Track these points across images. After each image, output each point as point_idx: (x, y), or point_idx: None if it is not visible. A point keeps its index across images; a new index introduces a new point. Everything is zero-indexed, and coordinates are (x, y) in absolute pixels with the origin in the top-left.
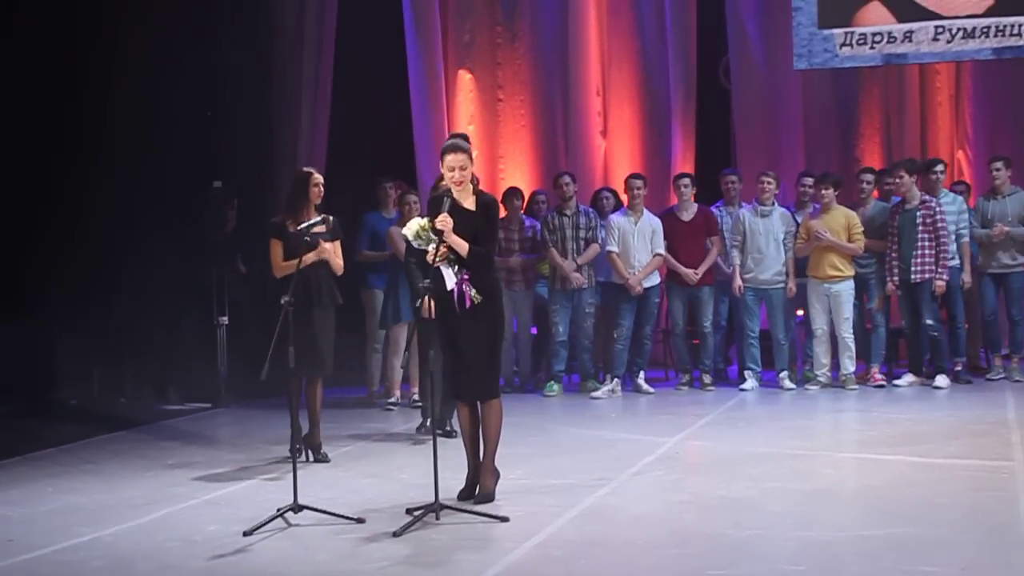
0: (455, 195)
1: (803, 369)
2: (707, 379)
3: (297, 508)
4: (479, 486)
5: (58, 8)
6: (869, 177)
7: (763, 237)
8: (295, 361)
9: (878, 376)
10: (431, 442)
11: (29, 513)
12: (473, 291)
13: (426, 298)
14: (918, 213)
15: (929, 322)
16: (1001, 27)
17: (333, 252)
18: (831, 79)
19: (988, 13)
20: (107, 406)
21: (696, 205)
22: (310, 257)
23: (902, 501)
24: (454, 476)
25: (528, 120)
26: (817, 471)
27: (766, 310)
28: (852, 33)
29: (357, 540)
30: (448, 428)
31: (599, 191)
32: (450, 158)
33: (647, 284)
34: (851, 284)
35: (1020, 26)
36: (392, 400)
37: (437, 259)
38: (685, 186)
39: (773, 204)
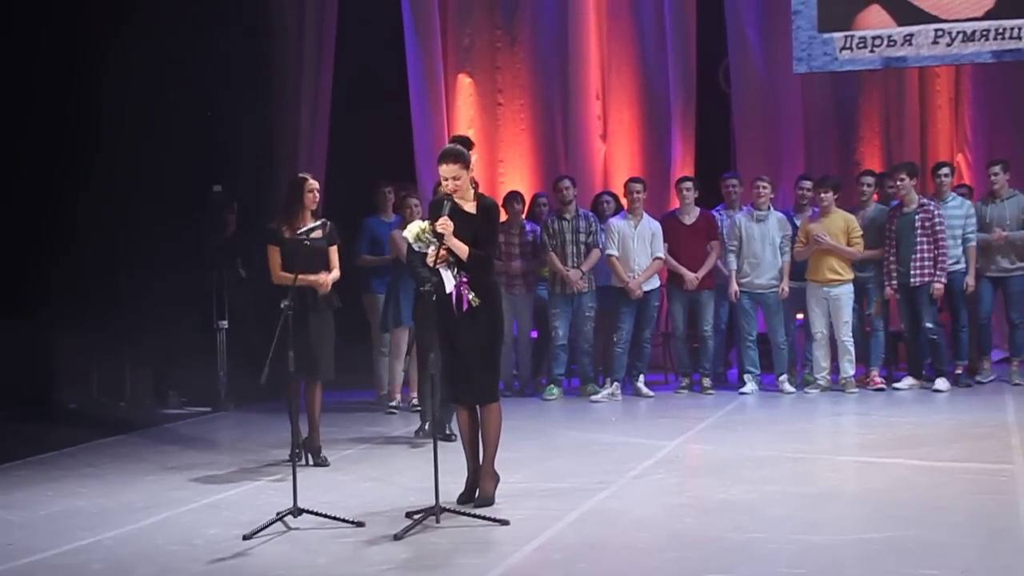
0: (455, 198)
1: (803, 373)
2: (707, 383)
3: (297, 512)
4: (479, 490)
5: (58, 9)
6: (869, 180)
7: (759, 242)
8: (294, 364)
9: (878, 379)
10: (430, 446)
11: (29, 516)
12: (471, 294)
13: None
14: (917, 217)
15: (928, 325)
16: (1001, 30)
17: (331, 259)
18: (830, 83)
19: (988, 16)
20: (107, 410)
21: (698, 209)
22: (308, 278)
23: (902, 504)
24: (453, 480)
25: (528, 124)
26: (817, 474)
27: (763, 314)
28: (852, 37)
29: (357, 543)
30: (447, 432)
31: (599, 195)
32: (443, 168)
33: (647, 288)
34: (850, 288)
35: (1019, 29)
36: (393, 404)
37: (437, 262)
38: (687, 189)
39: (769, 209)
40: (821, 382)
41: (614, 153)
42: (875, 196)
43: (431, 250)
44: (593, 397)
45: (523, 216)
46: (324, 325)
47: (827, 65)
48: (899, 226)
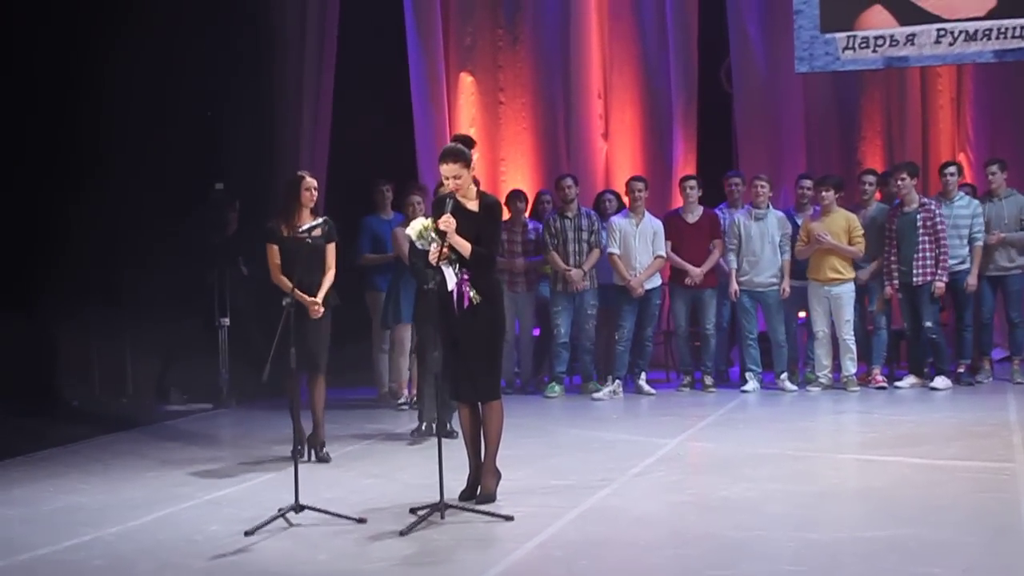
0: (458, 196)
1: (804, 371)
2: (708, 380)
3: (298, 508)
4: (480, 487)
5: (59, 8)
6: (871, 179)
7: (758, 240)
8: (296, 361)
9: (879, 378)
10: (430, 443)
11: (30, 513)
12: (472, 292)
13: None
14: (918, 216)
15: (928, 324)
16: (1003, 29)
17: (328, 258)
18: (832, 82)
19: (990, 16)
20: (108, 406)
21: (701, 207)
22: (303, 299)
23: (903, 503)
24: (455, 477)
25: (529, 123)
26: (818, 472)
27: (762, 313)
28: (854, 37)
29: (358, 540)
30: (449, 429)
31: (601, 193)
32: (444, 168)
33: (648, 286)
34: (851, 286)
35: (1022, 28)
36: (402, 401)
37: (439, 259)
38: (691, 188)
39: (768, 207)
40: (823, 380)
41: (616, 152)
42: (879, 195)
43: (433, 248)
44: (595, 395)
45: (526, 214)
46: (322, 322)
47: (829, 65)
48: (900, 225)
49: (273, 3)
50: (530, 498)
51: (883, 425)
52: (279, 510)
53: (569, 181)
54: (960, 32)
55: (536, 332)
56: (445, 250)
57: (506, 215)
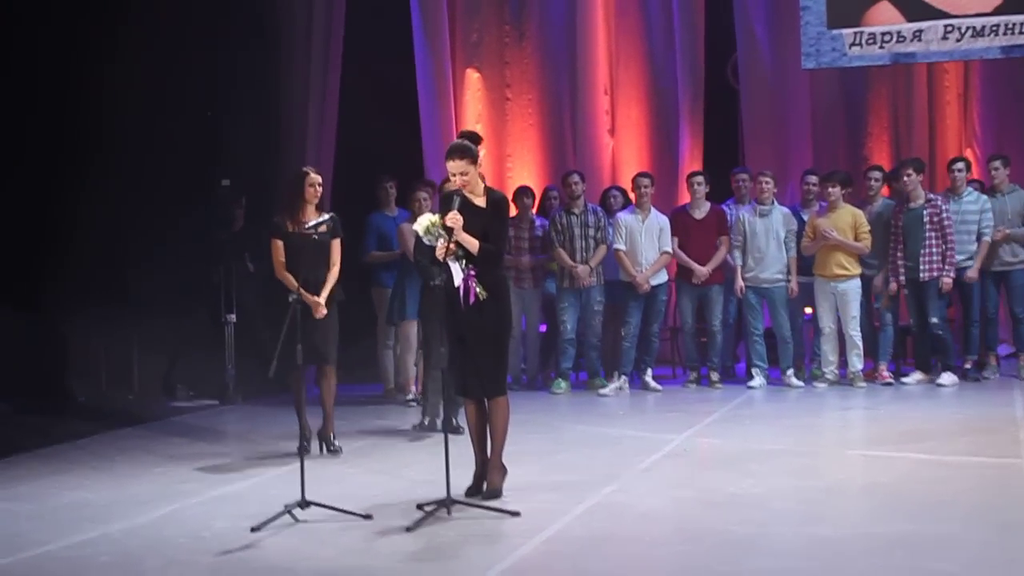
0: (465, 192)
1: (811, 367)
2: (715, 376)
3: (305, 504)
4: (486, 483)
5: (63, 5)
6: (877, 175)
7: (763, 237)
8: (302, 356)
9: (886, 374)
10: (435, 439)
11: (37, 509)
12: (479, 287)
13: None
14: (924, 212)
15: (934, 320)
16: (1010, 25)
17: (332, 254)
18: (839, 78)
19: (997, 11)
20: (115, 403)
21: (708, 203)
22: (308, 298)
23: (909, 498)
24: (461, 473)
25: (536, 119)
26: (824, 468)
27: (768, 309)
28: (861, 33)
29: (365, 536)
30: (455, 425)
31: (608, 190)
32: (450, 164)
33: (655, 282)
34: (858, 282)
35: None
36: (410, 397)
37: (445, 255)
38: (699, 184)
39: (773, 203)
40: (829, 376)
41: (622, 148)
42: (887, 191)
43: (440, 243)
44: (601, 391)
45: (533, 211)
46: (330, 316)
47: (836, 61)
48: (906, 222)
49: (280, 1)
50: (536, 494)
51: (889, 421)
52: (285, 506)
53: (576, 177)
54: (967, 28)
55: (543, 328)
56: (452, 246)
57: (513, 211)
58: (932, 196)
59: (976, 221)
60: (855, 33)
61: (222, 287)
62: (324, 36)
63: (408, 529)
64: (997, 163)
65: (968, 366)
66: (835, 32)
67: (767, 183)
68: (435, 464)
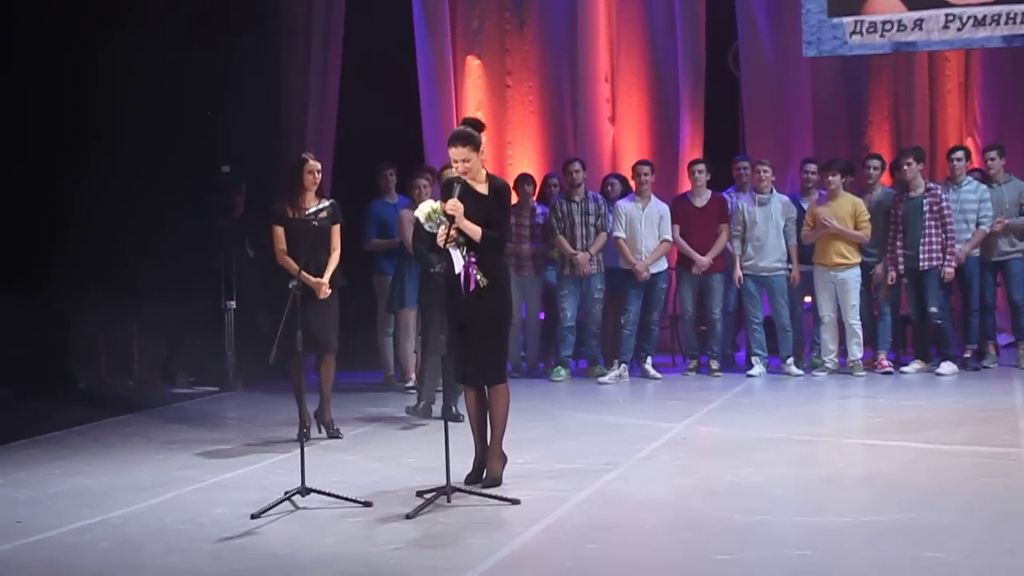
0: (467, 179)
1: (811, 356)
2: (714, 365)
3: (305, 491)
4: (486, 470)
5: None
6: (876, 163)
7: (762, 225)
8: (302, 343)
9: (885, 363)
10: (435, 426)
11: (37, 495)
12: (479, 275)
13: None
14: (924, 201)
15: (933, 310)
16: (1012, 15)
17: (332, 239)
18: (840, 67)
19: (998, 1)
20: (115, 389)
21: (709, 191)
22: (309, 280)
23: (909, 487)
24: (461, 461)
25: (536, 106)
26: (824, 457)
27: (767, 297)
28: (862, 21)
29: (365, 523)
30: (455, 412)
31: (606, 177)
32: (452, 151)
33: (654, 270)
34: (857, 271)
35: None
36: (410, 384)
37: (446, 242)
38: (700, 172)
39: (771, 192)
40: (829, 365)
41: (623, 136)
42: (890, 181)
43: (441, 230)
44: (600, 379)
45: (534, 198)
46: (330, 303)
47: (837, 49)
48: (906, 211)
49: None
50: (536, 482)
51: (889, 410)
52: (285, 493)
53: (577, 165)
54: (968, 17)
55: (541, 316)
56: (453, 232)
57: (514, 199)
58: (932, 185)
59: (975, 210)
60: (855, 21)
61: (222, 274)
62: (325, 22)
63: (408, 516)
64: (993, 153)
65: (968, 355)
66: (836, 20)
67: (765, 172)
68: (435, 451)
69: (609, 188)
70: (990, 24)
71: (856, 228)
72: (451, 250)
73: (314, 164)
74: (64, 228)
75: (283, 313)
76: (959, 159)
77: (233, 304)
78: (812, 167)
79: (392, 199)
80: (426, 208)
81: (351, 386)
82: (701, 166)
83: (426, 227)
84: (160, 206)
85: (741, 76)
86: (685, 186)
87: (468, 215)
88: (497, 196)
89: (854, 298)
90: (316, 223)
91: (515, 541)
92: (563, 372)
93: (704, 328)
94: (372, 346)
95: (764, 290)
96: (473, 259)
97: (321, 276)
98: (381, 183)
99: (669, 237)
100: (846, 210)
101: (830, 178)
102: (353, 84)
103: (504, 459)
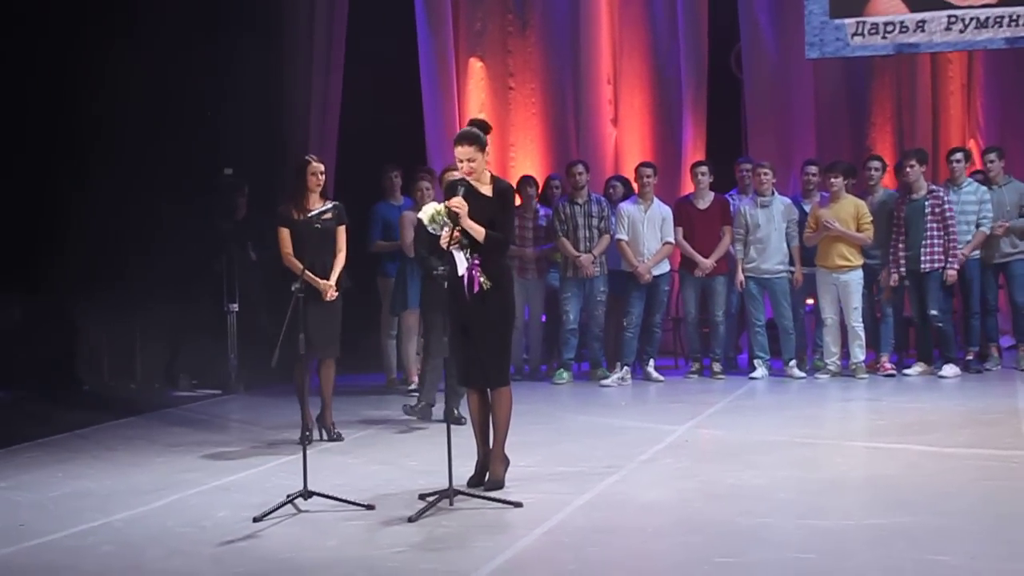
0: (471, 180)
1: (813, 358)
2: (717, 367)
3: (307, 494)
4: (488, 473)
5: None
6: (877, 164)
7: (764, 228)
8: (305, 346)
9: (888, 365)
10: (437, 428)
11: (39, 498)
12: (483, 277)
13: (447, 230)
14: (926, 203)
15: (934, 312)
16: (1014, 17)
17: (338, 241)
18: (843, 68)
19: (1001, 3)
20: (117, 392)
21: (712, 193)
22: (316, 281)
23: (911, 490)
24: (463, 463)
25: (539, 108)
26: (826, 460)
27: (769, 300)
28: (864, 23)
29: (367, 526)
30: (457, 415)
31: (609, 180)
32: (458, 150)
33: (657, 272)
34: (859, 273)
35: None
36: (412, 387)
37: (450, 244)
38: (703, 174)
39: (772, 194)
40: (831, 367)
41: (625, 138)
42: (892, 183)
43: (444, 232)
44: (603, 381)
45: (536, 200)
46: (333, 306)
47: (839, 51)
48: (908, 213)
49: None
50: (538, 485)
51: (891, 413)
52: (288, 496)
53: (580, 167)
54: (971, 19)
55: (543, 319)
56: (457, 234)
57: (517, 201)
58: (934, 187)
59: (975, 212)
60: (857, 23)
61: (224, 276)
62: (327, 24)
63: (410, 519)
64: (992, 155)
65: (970, 358)
66: (838, 22)
67: (766, 174)
68: (438, 454)
69: (612, 190)
70: (993, 26)
71: (858, 230)
72: (455, 252)
73: (317, 166)
74: (66, 230)
75: (286, 316)
76: (958, 160)
77: (235, 306)
78: (813, 169)
79: (397, 201)
80: (430, 210)
81: (353, 389)
82: (704, 168)
83: (429, 229)
84: (162, 208)
85: (743, 78)
86: (688, 188)
87: (472, 216)
88: (501, 198)
89: (856, 300)
90: (319, 225)
91: (517, 544)
92: (565, 375)
93: (707, 330)
94: (370, 349)
95: (766, 292)
96: (477, 261)
97: (327, 278)
98: (386, 185)
99: (671, 239)
100: (848, 212)
101: (832, 180)
102: (355, 86)
103: (506, 462)
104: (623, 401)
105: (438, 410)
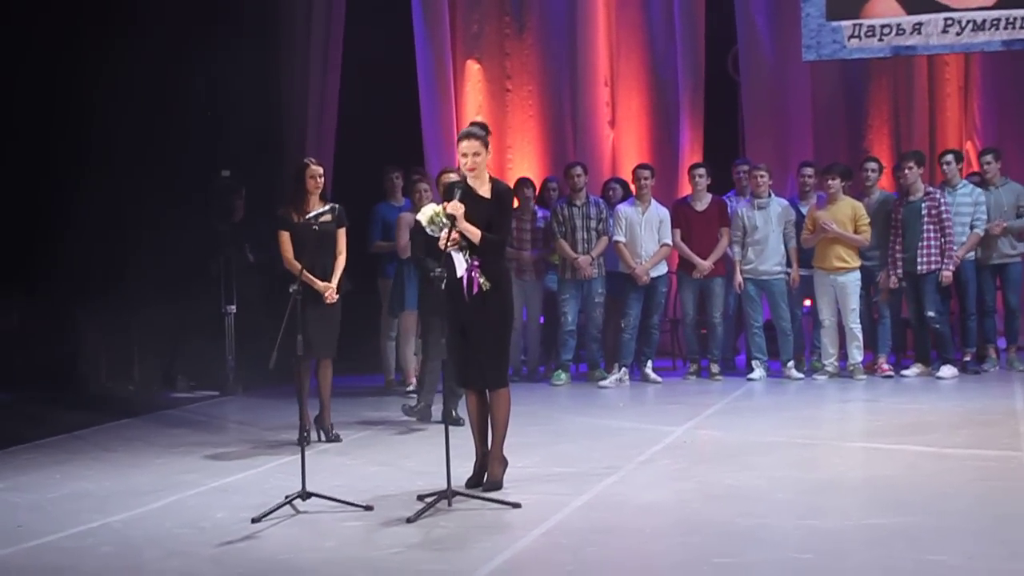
0: (470, 182)
1: (811, 359)
2: (715, 369)
3: (305, 495)
4: (487, 474)
5: None
6: (873, 166)
7: (762, 229)
8: (303, 347)
9: (886, 366)
10: (436, 429)
11: (38, 500)
12: (482, 278)
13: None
14: (923, 205)
15: (931, 314)
16: (1011, 19)
17: (338, 242)
18: (840, 71)
19: (998, 5)
20: (116, 393)
21: (710, 195)
22: (315, 283)
23: (909, 490)
24: (461, 464)
25: (536, 110)
26: (824, 460)
27: (767, 301)
28: (860, 25)
29: (366, 527)
30: (455, 416)
31: (607, 182)
32: (464, 144)
33: (654, 274)
34: (857, 275)
35: None
36: (411, 388)
37: (448, 245)
38: (700, 176)
39: (770, 196)
40: (829, 368)
41: (622, 140)
42: (889, 184)
43: (443, 233)
44: (601, 383)
45: (534, 202)
46: (332, 308)
47: (836, 53)
48: (905, 215)
49: None
50: (537, 486)
51: (889, 413)
52: (286, 497)
53: (579, 170)
54: (968, 22)
55: (541, 321)
56: (455, 235)
57: (515, 203)
58: (931, 189)
59: (970, 214)
60: (854, 25)
61: (222, 278)
62: (324, 26)
63: (409, 520)
64: (988, 157)
65: (968, 359)
66: (835, 24)
67: (762, 176)
68: (436, 455)
69: (611, 192)
70: (989, 29)
71: (856, 232)
72: (453, 254)
73: (316, 169)
74: (63, 232)
75: (284, 317)
76: (948, 163)
77: (233, 308)
78: (809, 170)
79: (398, 202)
80: (428, 212)
81: (351, 390)
82: (701, 170)
83: (428, 230)
84: (160, 210)
85: (741, 80)
86: (685, 190)
87: (470, 218)
88: (499, 200)
89: (854, 302)
90: (317, 227)
91: (516, 545)
92: (563, 376)
93: (704, 332)
94: (368, 350)
95: (764, 294)
96: (476, 263)
97: (328, 280)
98: (387, 186)
99: (669, 241)
100: (846, 214)
101: (829, 182)
102: (353, 88)
103: (505, 463)
104: (621, 402)
105: (437, 411)
